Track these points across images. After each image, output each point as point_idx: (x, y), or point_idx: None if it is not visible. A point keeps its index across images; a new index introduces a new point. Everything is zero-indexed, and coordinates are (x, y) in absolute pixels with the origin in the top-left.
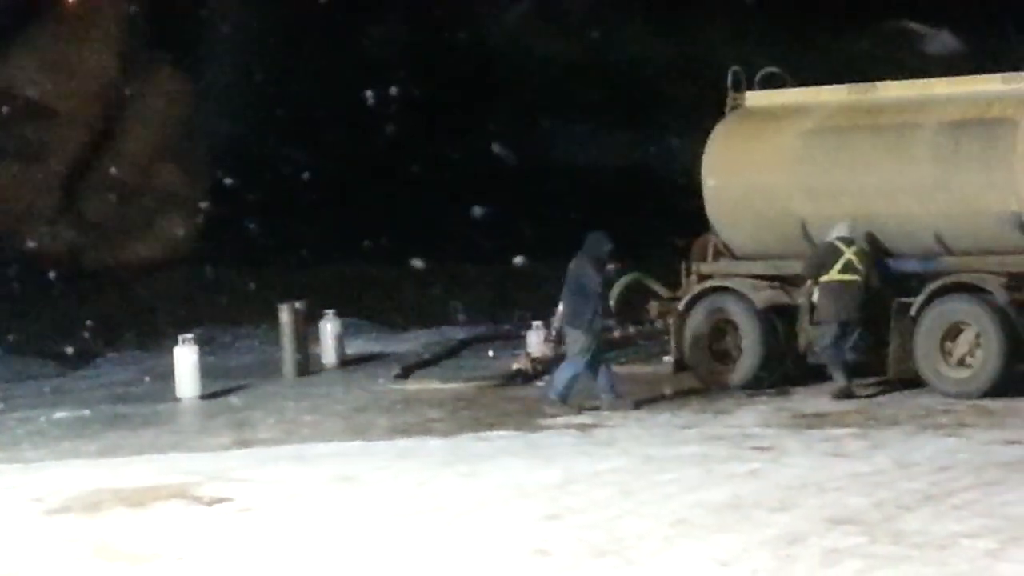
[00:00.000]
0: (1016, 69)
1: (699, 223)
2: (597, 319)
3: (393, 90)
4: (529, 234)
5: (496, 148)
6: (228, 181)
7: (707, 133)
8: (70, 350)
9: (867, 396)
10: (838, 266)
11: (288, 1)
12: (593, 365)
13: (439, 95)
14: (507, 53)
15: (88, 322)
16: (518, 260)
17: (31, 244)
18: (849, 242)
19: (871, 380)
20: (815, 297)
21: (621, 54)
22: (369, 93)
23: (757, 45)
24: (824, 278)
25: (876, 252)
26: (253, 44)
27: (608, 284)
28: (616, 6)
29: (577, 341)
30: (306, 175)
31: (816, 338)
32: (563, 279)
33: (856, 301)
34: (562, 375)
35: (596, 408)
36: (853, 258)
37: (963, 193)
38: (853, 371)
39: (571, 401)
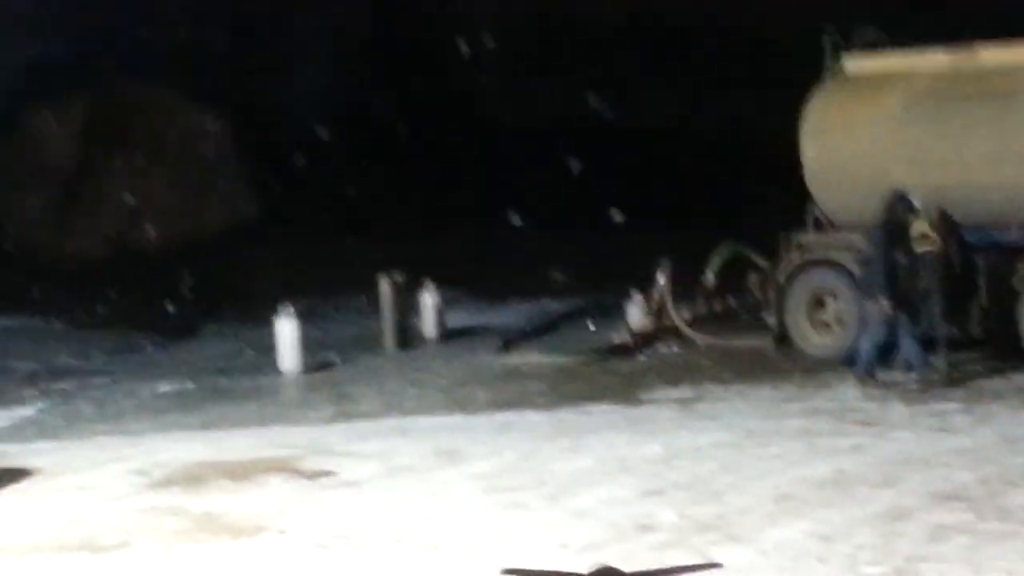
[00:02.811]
0: None
1: (800, 190)
2: (884, 287)
3: (486, 46)
4: (629, 199)
5: (594, 103)
6: (329, 148)
7: (805, 96)
8: (171, 322)
9: (973, 369)
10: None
11: None
12: (893, 334)
13: (533, 52)
14: (606, 11)
15: (187, 293)
16: (616, 217)
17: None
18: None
19: (977, 353)
20: None
21: (722, 11)
22: (465, 49)
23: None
24: None
25: (949, 223)
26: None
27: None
28: None
29: (872, 311)
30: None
31: None
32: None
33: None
34: (862, 350)
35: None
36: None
37: None
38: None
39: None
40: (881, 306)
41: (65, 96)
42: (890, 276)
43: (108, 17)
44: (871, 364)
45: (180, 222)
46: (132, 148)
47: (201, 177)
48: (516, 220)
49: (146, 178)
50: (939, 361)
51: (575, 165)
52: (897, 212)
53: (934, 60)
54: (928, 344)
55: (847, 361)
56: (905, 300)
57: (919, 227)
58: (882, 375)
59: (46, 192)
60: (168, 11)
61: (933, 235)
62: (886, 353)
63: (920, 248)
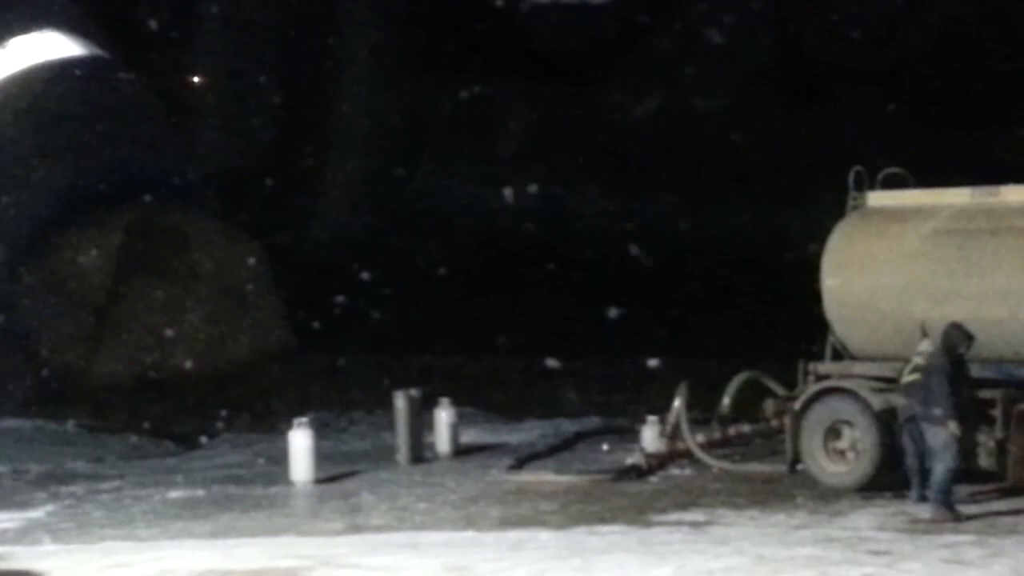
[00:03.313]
0: None
1: (817, 321)
2: (948, 413)
3: (530, 188)
4: (654, 331)
5: (632, 250)
6: (357, 272)
7: (828, 230)
8: (186, 431)
9: (986, 503)
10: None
11: (423, 93)
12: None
13: (572, 189)
14: (638, 150)
15: (206, 406)
16: (653, 362)
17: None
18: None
19: (990, 486)
20: None
21: (751, 146)
22: (506, 191)
23: (884, 142)
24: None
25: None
26: (385, 136)
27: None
28: (749, 96)
29: (938, 436)
30: (433, 267)
31: None
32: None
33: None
34: (936, 478)
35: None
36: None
37: None
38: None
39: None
40: (951, 430)
41: (103, 219)
42: (956, 406)
43: (150, 144)
44: (946, 493)
45: (211, 351)
46: (167, 275)
47: (235, 307)
48: (537, 345)
49: (179, 306)
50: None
51: (600, 293)
52: (956, 341)
53: (955, 197)
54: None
55: (919, 497)
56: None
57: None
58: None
59: (80, 316)
60: (210, 142)
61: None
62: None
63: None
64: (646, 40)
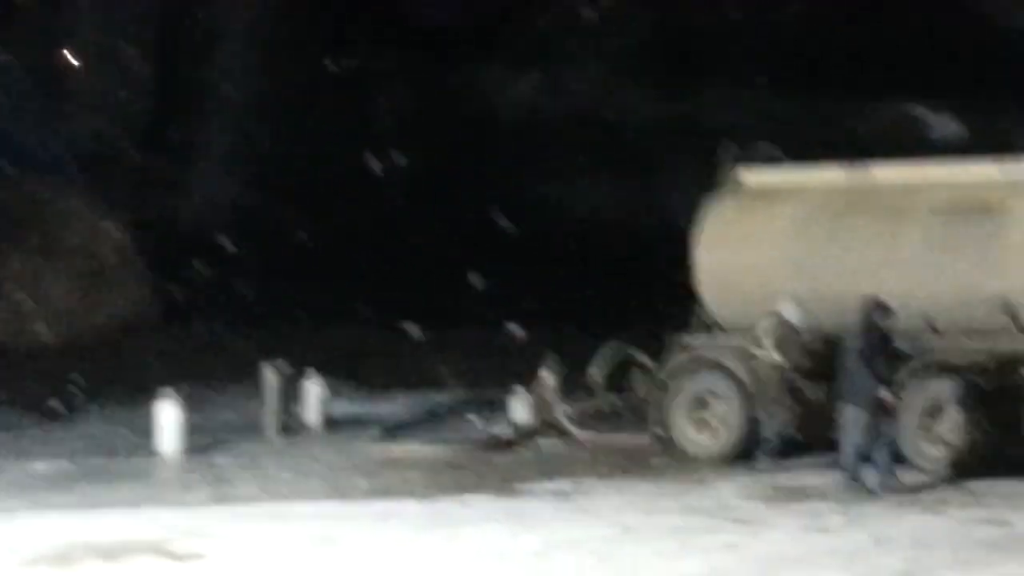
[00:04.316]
0: (1016, 155)
1: (688, 294)
2: (855, 393)
3: (402, 160)
4: (521, 301)
5: (493, 215)
6: (227, 244)
7: (700, 203)
8: (48, 403)
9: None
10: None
11: (293, 67)
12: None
13: (446, 162)
14: (508, 120)
15: (70, 379)
16: (521, 332)
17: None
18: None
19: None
20: None
21: (621, 116)
22: (379, 164)
23: (756, 117)
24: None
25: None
26: (254, 108)
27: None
28: (618, 69)
29: (847, 414)
30: (304, 240)
31: None
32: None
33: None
34: (877, 456)
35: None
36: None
37: (952, 277)
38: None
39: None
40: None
41: None
42: (878, 382)
43: (15, 116)
44: (890, 468)
45: (74, 323)
46: (27, 246)
47: (99, 279)
48: (404, 315)
49: (39, 278)
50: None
51: (467, 264)
52: (876, 318)
53: (827, 175)
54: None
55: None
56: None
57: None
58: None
59: None
60: (78, 114)
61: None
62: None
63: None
64: (523, 15)
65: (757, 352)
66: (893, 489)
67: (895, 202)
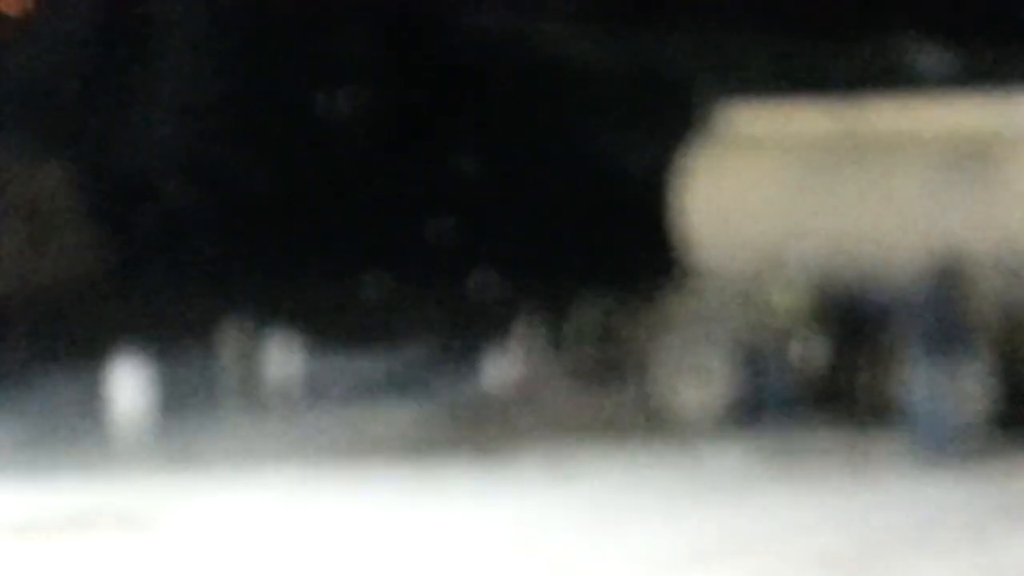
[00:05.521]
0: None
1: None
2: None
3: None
4: (497, 250)
5: (463, 160)
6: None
7: (685, 146)
8: None
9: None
10: None
11: (243, 4)
12: None
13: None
14: (479, 61)
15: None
16: (486, 277)
17: None
18: None
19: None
20: None
21: (587, 57)
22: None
23: (736, 56)
24: None
25: None
26: (205, 51)
27: None
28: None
29: None
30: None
31: None
32: None
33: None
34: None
35: None
36: None
37: (947, 228)
38: None
39: None
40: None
41: None
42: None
43: None
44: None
45: (9, 275)
46: None
47: (35, 229)
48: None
49: None
50: None
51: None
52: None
53: (812, 117)
54: None
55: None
56: None
57: None
58: None
59: None
60: (15, 55)
61: None
62: None
63: None
64: None
65: (759, 300)
66: (949, 455)
67: (882, 147)
